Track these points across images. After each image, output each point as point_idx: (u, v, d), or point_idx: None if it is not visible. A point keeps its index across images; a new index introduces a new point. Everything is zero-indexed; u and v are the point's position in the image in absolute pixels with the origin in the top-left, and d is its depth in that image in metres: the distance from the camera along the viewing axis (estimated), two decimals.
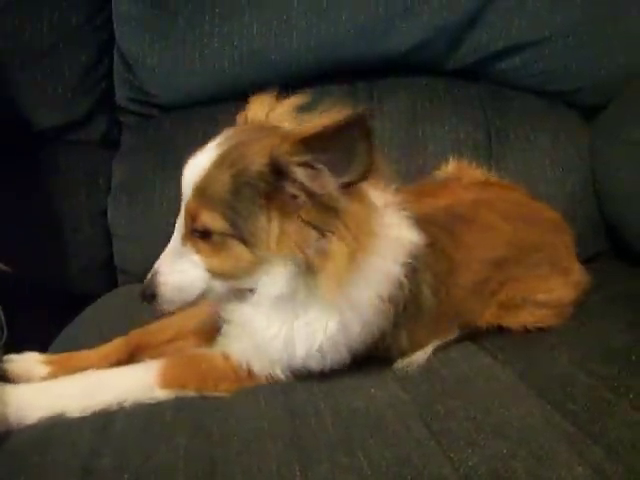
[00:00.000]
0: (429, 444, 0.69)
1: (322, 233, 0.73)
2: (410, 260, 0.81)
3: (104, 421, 0.80)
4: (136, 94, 1.46)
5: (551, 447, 0.67)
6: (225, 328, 0.88)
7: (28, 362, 0.90)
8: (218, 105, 1.43)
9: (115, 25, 1.44)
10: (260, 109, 0.88)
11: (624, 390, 0.77)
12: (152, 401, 0.83)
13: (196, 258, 0.79)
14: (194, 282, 0.79)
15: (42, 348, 0.97)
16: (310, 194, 0.71)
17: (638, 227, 1.30)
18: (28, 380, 0.87)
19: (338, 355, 0.82)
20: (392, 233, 0.81)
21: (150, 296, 0.79)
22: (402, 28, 1.39)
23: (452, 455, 0.67)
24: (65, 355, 0.94)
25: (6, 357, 0.90)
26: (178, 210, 1.43)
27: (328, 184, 0.70)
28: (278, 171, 0.72)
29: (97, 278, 1.43)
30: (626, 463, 0.64)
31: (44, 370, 0.89)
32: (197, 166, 0.78)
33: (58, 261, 1.37)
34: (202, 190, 0.76)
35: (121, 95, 1.48)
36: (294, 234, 0.73)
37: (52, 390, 0.83)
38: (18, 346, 0.93)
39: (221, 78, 1.41)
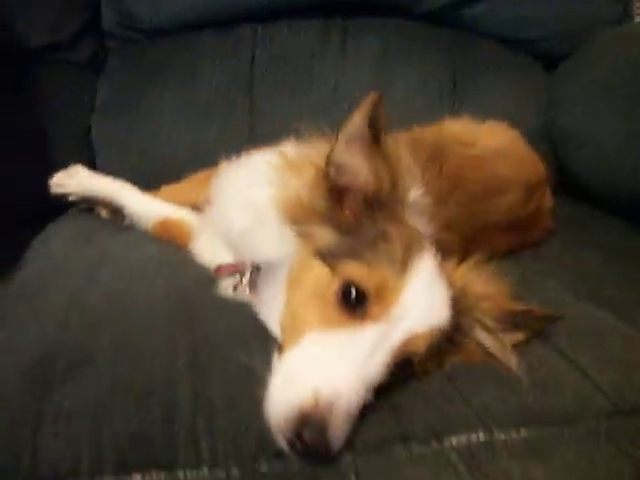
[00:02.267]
0: None
1: None
2: None
3: (91, 270, 0.97)
4: (122, 18, 1.61)
5: None
6: None
7: None
8: (200, 32, 1.61)
9: None
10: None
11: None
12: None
13: None
14: None
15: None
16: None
17: (587, 162, 1.49)
18: None
19: None
20: None
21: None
22: None
23: None
24: None
25: None
26: (159, 129, 1.57)
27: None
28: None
29: None
30: None
31: None
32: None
33: (41, 175, 1.49)
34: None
35: (107, 19, 1.63)
36: None
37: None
38: None
39: (202, 4, 1.56)
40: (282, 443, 0.57)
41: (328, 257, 0.71)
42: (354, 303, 0.66)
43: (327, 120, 1.54)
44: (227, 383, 0.67)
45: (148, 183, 1.39)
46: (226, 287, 0.89)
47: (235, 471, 0.58)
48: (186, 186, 1.27)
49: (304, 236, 0.75)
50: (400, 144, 1.04)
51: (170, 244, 1.12)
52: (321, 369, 0.61)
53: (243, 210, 0.89)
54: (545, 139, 1.63)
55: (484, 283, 0.79)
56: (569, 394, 0.70)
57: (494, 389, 0.70)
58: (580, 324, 0.87)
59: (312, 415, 0.56)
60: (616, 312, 0.90)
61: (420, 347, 0.67)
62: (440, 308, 0.70)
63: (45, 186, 1.30)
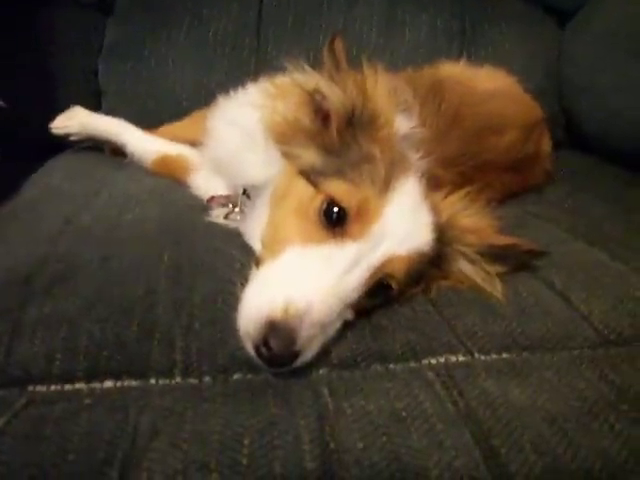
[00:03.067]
0: None
1: None
2: None
3: (87, 198, 0.95)
4: None
5: None
6: None
7: None
8: None
9: None
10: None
11: None
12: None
13: None
14: None
15: None
16: None
17: (594, 118, 1.43)
18: None
19: None
20: None
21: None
22: None
23: None
24: None
25: None
26: (165, 71, 1.52)
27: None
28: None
29: None
30: None
31: None
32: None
33: (49, 115, 1.47)
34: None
35: None
36: None
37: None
38: None
39: None
40: (250, 350, 0.55)
41: (312, 176, 0.69)
42: (335, 220, 0.64)
43: None
44: (208, 298, 0.64)
45: (153, 124, 1.37)
46: (217, 215, 0.87)
47: (207, 379, 0.56)
48: (186, 123, 1.25)
49: (290, 156, 0.73)
50: (398, 79, 1.01)
51: (169, 179, 1.09)
52: (295, 280, 0.58)
53: (234, 131, 0.88)
54: (554, 94, 1.57)
55: (471, 216, 0.77)
56: (555, 322, 0.67)
57: (478, 314, 0.68)
58: (572, 260, 0.83)
59: (281, 323, 0.54)
60: (611, 252, 0.86)
61: (399, 269, 0.65)
62: (422, 232, 0.68)
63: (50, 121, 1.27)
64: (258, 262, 0.65)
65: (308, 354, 0.56)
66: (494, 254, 0.74)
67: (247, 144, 0.83)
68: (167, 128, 1.28)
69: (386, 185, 0.65)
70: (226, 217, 0.86)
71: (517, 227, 0.97)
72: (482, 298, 0.71)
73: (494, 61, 1.54)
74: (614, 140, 1.37)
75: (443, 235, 0.73)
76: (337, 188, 0.65)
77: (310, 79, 0.75)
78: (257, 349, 0.54)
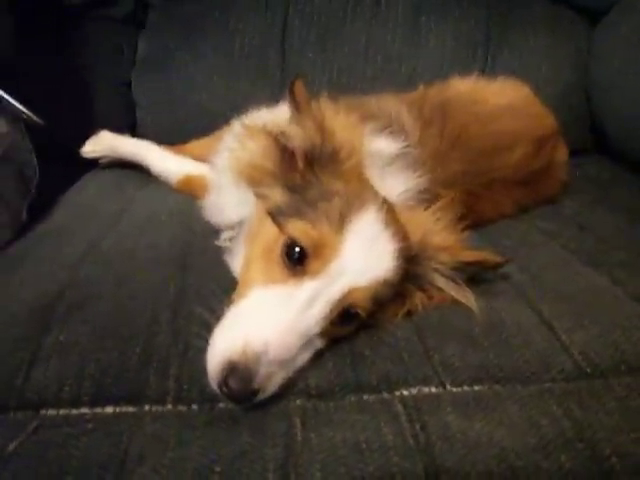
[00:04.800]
0: None
1: None
2: None
3: (113, 220, 1.06)
4: None
5: None
6: None
7: None
8: None
9: None
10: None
11: None
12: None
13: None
14: None
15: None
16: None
17: (621, 119, 1.40)
18: None
19: None
20: None
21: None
22: None
23: None
24: None
25: None
26: (193, 82, 1.58)
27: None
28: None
29: None
30: None
31: None
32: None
33: (85, 127, 1.56)
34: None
35: None
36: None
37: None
38: None
39: None
40: (214, 388, 0.61)
41: (277, 216, 0.74)
42: (296, 260, 0.68)
43: (358, 76, 1.57)
44: (204, 327, 0.70)
45: (184, 136, 1.45)
46: (225, 239, 0.93)
47: (195, 407, 0.62)
48: (208, 141, 1.31)
49: (261, 196, 0.79)
50: (399, 100, 1.04)
51: (191, 198, 1.16)
52: (255, 321, 0.64)
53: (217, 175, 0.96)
54: (582, 98, 1.55)
55: (441, 233, 0.81)
56: (533, 353, 0.70)
57: (459, 344, 0.71)
58: (567, 285, 0.85)
59: (239, 364, 0.59)
60: (613, 275, 0.88)
61: (361, 299, 0.69)
62: (383, 261, 0.71)
63: (88, 134, 1.36)
64: (230, 302, 0.71)
65: (269, 390, 0.62)
66: (465, 270, 0.79)
67: (224, 183, 0.89)
68: (192, 145, 1.36)
69: (342, 221, 0.69)
70: (231, 241, 0.92)
71: (521, 245, 1.00)
72: (466, 324, 0.75)
73: (520, 67, 1.55)
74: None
75: (418, 254, 0.77)
76: (295, 228, 0.70)
77: (274, 122, 0.81)
78: (219, 388, 0.60)
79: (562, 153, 1.23)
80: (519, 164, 1.09)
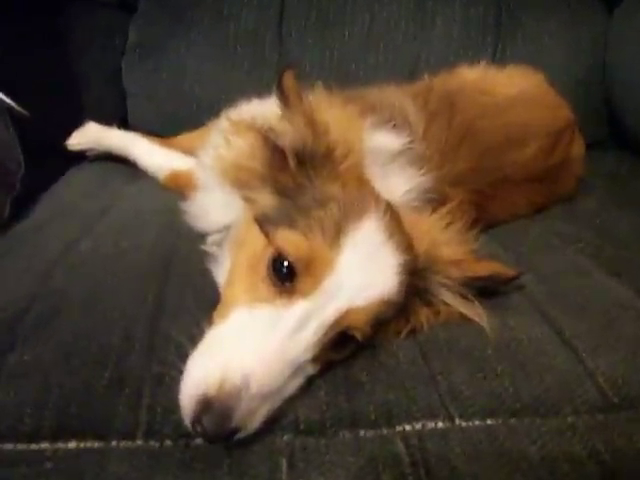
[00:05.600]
0: None
1: None
2: None
3: (92, 220, 0.98)
4: None
5: None
6: None
7: None
8: None
9: None
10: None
11: None
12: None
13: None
14: None
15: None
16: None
17: (634, 107, 1.32)
18: None
19: None
20: None
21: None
22: None
23: None
24: None
25: None
26: (186, 69, 1.49)
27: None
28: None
29: None
30: None
31: None
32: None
33: (75, 117, 1.49)
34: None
35: None
36: None
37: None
38: None
39: None
40: (187, 424, 0.53)
41: (265, 223, 0.65)
42: (285, 276, 0.60)
43: (360, 63, 1.48)
44: (182, 349, 0.63)
45: (175, 125, 1.37)
46: (211, 243, 0.85)
47: (168, 443, 0.55)
48: (201, 134, 1.23)
49: (248, 200, 0.70)
50: (403, 92, 0.95)
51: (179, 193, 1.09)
52: (235, 348, 0.56)
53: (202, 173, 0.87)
54: (598, 87, 1.46)
55: (450, 244, 0.73)
56: (554, 380, 0.62)
57: (468, 369, 0.63)
58: (588, 297, 0.77)
59: (215, 400, 0.51)
60: (636, 285, 0.80)
61: (359, 322, 0.60)
62: (384, 278, 0.62)
63: (77, 125, 1.30)
64: (210, 322, 0.63)
65: (250, 427, 0.54)
66: (475, 285, 0.71)
67: (209, 184, 0.81)
68: (181, 138, 1.28)
69: (338, 232, 0.60)
70: (218, 245, 0.84)
71: (536, 251, 0.92)
72: (476, 347, 0.67)
73: (533, 54, 1.46)
74: None
75: (423, 267, 0.69)
76: (285, 239, 0.61)
77: (265, 116, 0.72)
78: (192, 426, 0.52)
79: (579, 147, 1.14)
80: (533, 160, 1.00)
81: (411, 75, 1.39)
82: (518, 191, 1.01)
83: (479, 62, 1.26)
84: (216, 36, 1.48)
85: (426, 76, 1.16)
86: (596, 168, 1.28)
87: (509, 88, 1.08)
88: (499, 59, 1.45)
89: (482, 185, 0.94)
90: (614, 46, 1.43)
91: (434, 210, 0.78)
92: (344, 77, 1.45)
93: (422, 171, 0.83)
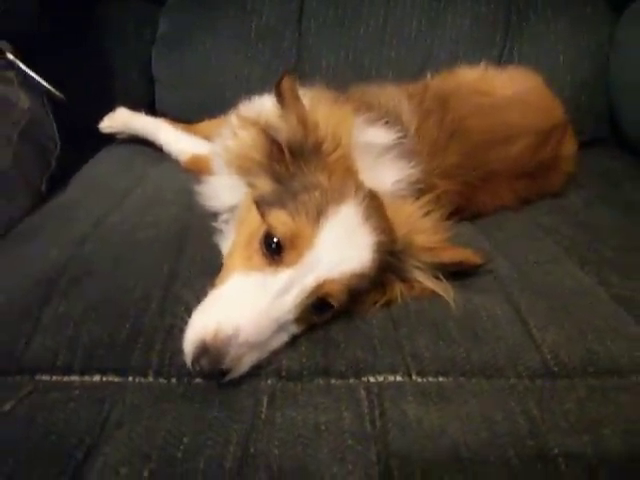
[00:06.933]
0: None
1: None
2: None
3: (122, 196, 1.12)
4: None
5: None
6: None
7: None
8: None
9: None
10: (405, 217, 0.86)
11: None
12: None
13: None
14: None
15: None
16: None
17: (633, 111, 1.40)
18: None
19: None
20: None
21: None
22: None
23: None
24: None
25: None
26: (209, 61, 1.60)
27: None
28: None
29: None
30: None
31: None
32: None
33: (106, 101, 1.62)
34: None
35: None
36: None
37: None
38: None
39: None
40: (188, 365, 0.66)
41: (262, 205, 0.78)
42: (274, 250, 0.72)
43: (375, 57, 1.58)
44: (189, 308, 0.75)
45: (200, 114, 1.50)
46: (221, 222, 0.98)
47: (174, 380, 0.68)
48: (220, 122, 1.35)
49: (250, 185, 0.83)
50: (399, 91, 1.06)
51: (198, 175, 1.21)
52: (230, 305, 0.69)
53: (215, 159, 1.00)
54: (602, 88, 1.54)
55: (426, 232, 0.84)
56: (503, 349, 0.73)
57: (430, 336, 0.75)
58: (551, 283, 0.87)
59: (210, 345, 0.64)
60: (600, 275, 0.90)
61: (335, 290, 0.73)
62: (358, 254, 0.74)
63: (109, 110, 1.42)
64: (213, 285, 0.76)
65: (238, 370, 0.67)
66: (445, 269, 0.83)
67: (221, 168, 0.94)
68: (203, 125, 1.41)
69: (319, 214, 0.72)
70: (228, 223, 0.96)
71: (514, 239, 1.03)
72: (441, 319, 0.78)
73: (539, 53, 1.54)
74: None
75: (400, 249, 0.81)
76: (275, 218, 0.74)
77: (269, 112, 0.84)
78: (192, 365, 0.65)
79: (570, 146, 1.23)
80: (520, 156, 1.10)
81: (421, 71, 1.49)
82: (505, 185, 1.11)
83: (485, 60, 1.36)
84: (239, 30, 1.59)
85: (429, 75, 1.25)
86: (592, 166, 1.37)
87: (506, 89, 1.18)
88: (506, 57, 1.54)
89: (470, 178, 1.04)
90: (617, 48, 1.50)
91: (417, 199, 0.89)
92: (359, 71, 1.56)
93: (412, 164, 0.94)
